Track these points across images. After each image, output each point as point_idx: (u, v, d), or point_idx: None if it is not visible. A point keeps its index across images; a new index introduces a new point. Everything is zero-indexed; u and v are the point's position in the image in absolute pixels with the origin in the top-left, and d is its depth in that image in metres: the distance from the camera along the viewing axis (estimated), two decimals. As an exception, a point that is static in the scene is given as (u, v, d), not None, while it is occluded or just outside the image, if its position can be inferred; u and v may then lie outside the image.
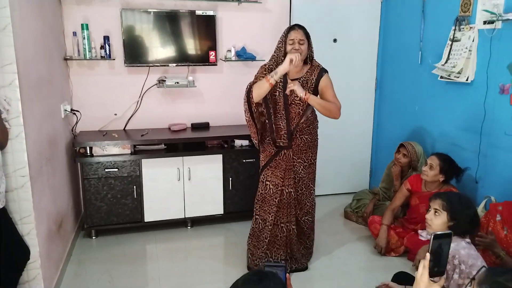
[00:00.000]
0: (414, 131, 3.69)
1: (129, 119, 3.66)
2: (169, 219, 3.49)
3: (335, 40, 4.07)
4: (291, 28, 2.68)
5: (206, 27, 3.59)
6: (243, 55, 3.74)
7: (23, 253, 2.17)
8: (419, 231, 2.33)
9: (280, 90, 2.71)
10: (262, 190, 2.83)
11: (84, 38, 3.32)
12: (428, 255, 1.34)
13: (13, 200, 2.16)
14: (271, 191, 2.79)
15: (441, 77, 3.22)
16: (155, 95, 3.70)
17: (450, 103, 3.25)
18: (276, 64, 2.69)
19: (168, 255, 3.16)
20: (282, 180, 2.78)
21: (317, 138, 2.91)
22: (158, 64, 3.55)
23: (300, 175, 2.82)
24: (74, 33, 3.33)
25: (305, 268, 2.96)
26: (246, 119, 2.79)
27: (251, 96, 2.63)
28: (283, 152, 2.77)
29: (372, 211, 3.64)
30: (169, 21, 3.49)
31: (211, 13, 3.57)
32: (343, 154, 4.33)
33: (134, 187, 3.33)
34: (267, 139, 2.81)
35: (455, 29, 3.06)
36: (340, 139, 4.29)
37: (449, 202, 2.01)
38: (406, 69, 3.76)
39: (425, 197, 2.98)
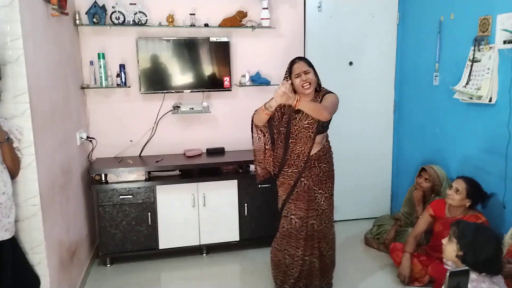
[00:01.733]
0: (435, 154, 3.56)
1: (144, 146, 3.68)
2: (184, 246, 3.43)
3: (351, 63, 4.02)
4: (293, 62, 2.70)
5: (221, 53, 3.61)
6: (257, 80, 3.73)
7: (33, 283, 2.15)
8: (444, 260, 2.22)
9: (286, 121, 2.72)
10: (287, 225, 2.75)
11: (100, 66, 3.38)
12: None
13: (23, 229, 2.16)
14: (297, 225, 2.72)
15: (462, 99, 3.12)
16: (170, 121, 3.71)
17: (472, 124, 3.13)
18: None
19: (183, 283, 3.09)
20: (306, 212, 2.72)
21: (334, 168, 2.85)
22: (173, 91, 3.58)
23: (323, 207, 2.75)
24: (91, 62, 3.40)
25: None
26: (257, 147, 2.80)
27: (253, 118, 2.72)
28: (303, 183, 2.71)
29: (394, 237, 3.50)
30: (184, 49, 3.53)
31: (225, 39, 3.59)
32: (363, 177, 4.22)
33: (149, 213, 3.31)
34: (285, 169, 2.75)
35: (474, 50, 2.97)
36: (359, 163, 4.18)
37: (461, 231, 1.91)
38: (424, 90, 3.67)
39: (449, 223, 2.84)
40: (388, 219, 3.78)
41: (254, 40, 3.78)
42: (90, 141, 3.47)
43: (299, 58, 2.72)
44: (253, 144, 2.83)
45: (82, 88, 3.42)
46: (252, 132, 2.80)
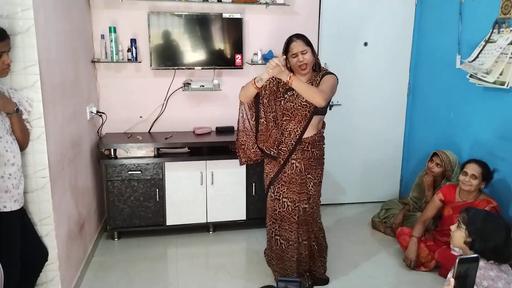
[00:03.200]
0: (448, 139, 3.50)
1: (154, 122, 3.67)
2: (191, 223, 3.46)
3: (365, 44, 3.94)
4: (290, 40, 2.52)
5: (233, 30, 3.55)
6: (270, 58, 3.65)
7: (41, 254, 2.18)
8: (452, 246, 2.20)
9: (282, 99, 2.61)
10: (280, 208, 2.68)
11: (111, 41, 3.35)
12: (452, 280, 1.23)
13: (32, 201, 2.18)
14: (290, 208, 2.65)
15: (471, 75, 3.05)
16: (181, 98, 3.68)
17: (488, 110, 3.06)
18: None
19: (188, 260, 3.12)
20: (298, 195, 2.65)
21: (324, 157, 2.78)
22: (184, 67, 3.54)
23: (311, 193, 2.69)
24: (102, 36, 3.37)
25: (327, 281, 2.84)
26: (241, 128, 2.72)
27: (239, 97, 2.63)
28: (295, 165, 2.62)
29: (402, 222, 3.48)
30: (196, 24, 3.48)
31: (238, 16, 3.52)
32: (373, 161, 4.18)
33: (157, 190, 3.32)
34: (272, 148, 2.67)
35: (492, 32, 2.88)
36: (369, 146, 4.14)
37: (470, 216, 1.90)
38: (442, 73, 3.58)
39: (459, 208, 2.81)
40: (397, 203, 3.76)
41: (268, 17, 3.70)
42: (100, 115, 3.47)
43: (297, 36, 2.51)
44: (238, 126, 2.74)
45: (93, 62, 3.39)
46: (246, 113, 2.69)
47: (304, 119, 2.58)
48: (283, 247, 2.71)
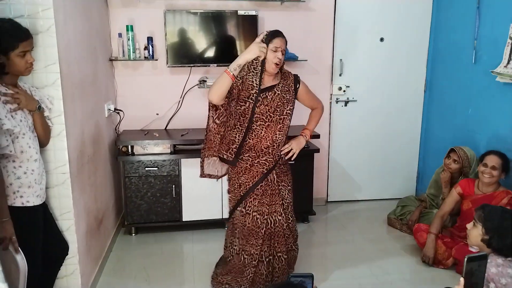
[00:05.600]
0: (466, 136, 3.45)
1: (170, 119, 3.71)
2: (207, 219, 3.49)
3: (382, 39, 3.90)
4: (277, 34, 2.39)
5: (248, 27, 3.56)
6: (285, 55, 3.65)
7: (62, 248, 2.23)
8: (469, 243, 2.18)
9: (251, 101, 2.38)
10: (249, 224, 2.49)
11: (128, 39, 3.40)
12: (462, 279, 1.23)
13: (53, 196, 2.23)
14: (259, 221, 2.48)
15: (501, 78, 2.99)
16: (196, 95, 3.71)
17: (507, 105, 3.01)
18: (247, 67, 2.42)
19: (204, 255, 3.15)
20: (268, 207, 2.49)
21: None
22: (200, 65, 3.57)
23: (287, 201, 2.57)
24: (120, 35, 3.42)
25: None
26: (210, 128, 2.54)
27: (208, 97, 2.39)
28: (271, 176, 2.48)
29: (418, 219, 3.46)
30: (212, 22, 3.50)
31: (253, 13, 3.53)
32: (389, 157, 4.16)
33: (173, 186, 3.36)
34: (251, 155, 2.46)
35: (513, 26, 2.83)
36: (385, 142, 4.12)
37: (487, 214, 1.87)
38: (459, 69, 3.53)
39: (479, 201, 2.79)
40: (413, 200, 3.73)
41: (283, 14, 3.70)
42: (118, 113, 3.53)
43: (282, 34, 2.41)
44: (206, 133, 2.57)
45: (111, 60, 3.45)
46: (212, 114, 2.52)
47: (280, 125, 2.46)
48: (246, 262, 2.53)
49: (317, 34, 3.80)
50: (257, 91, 2.38)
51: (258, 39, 2.39)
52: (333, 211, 4.00)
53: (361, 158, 4.13)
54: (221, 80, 2.35)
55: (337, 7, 3.77)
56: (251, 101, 2.39)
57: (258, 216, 2.49)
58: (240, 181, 2.51)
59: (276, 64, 2.37)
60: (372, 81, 3.98)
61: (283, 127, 2.48)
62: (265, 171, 2.47)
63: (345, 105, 4.00)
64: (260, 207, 2.49)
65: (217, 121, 2.49)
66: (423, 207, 3.54)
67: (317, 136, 3.59)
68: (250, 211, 2.50)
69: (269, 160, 2.48)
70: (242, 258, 2.55)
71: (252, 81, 2.38)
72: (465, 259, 1.26)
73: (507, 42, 2.91)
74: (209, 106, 2.51)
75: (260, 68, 2.37)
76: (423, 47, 3.97)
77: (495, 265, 1.81)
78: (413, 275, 2.92)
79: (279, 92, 2.45)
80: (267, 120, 2.42)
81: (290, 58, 3.65)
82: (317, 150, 3.58)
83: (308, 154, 3.56)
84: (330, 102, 3.97)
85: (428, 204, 3.55)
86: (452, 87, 3.65)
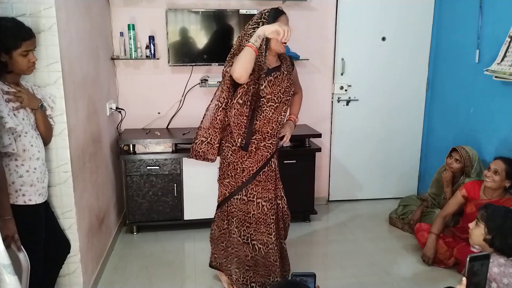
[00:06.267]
0: (468, 135, 3.45)
1: (171, 118, 3.71)
2: (208, 218, 3.47)
3: (383, 39, 3.90)
4: (280, 12, 2.28)
5: (250, 26, 3.56)
6: (287, 54, 3.65)
7: (64, 246, 2.23)
8: (471, 243, 2.18)
9: (262, 82, 2.26)
10: (255, 211, 2.41)
11: (130, 38, 3.40)
12: (464, 279, 1.23)
13: (55, 195, 2.24)
14: (265, 209, 2.42)
15: (496, 76, 2.98)
16: (198, 94, 3.71)
17: (510, 105, 3.00)
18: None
19: (205, 254, 3.14)
20: (274, 192, 2.46)
21: None
22: (201, 64, 3.57)
23: (281, 185, 2.56)
24: (121, 33, 3.42)
25: None
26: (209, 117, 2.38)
27: (235, 75, 2.13)
28: (273, 159, 2.45)
29: (420, 218, 3.45)
30: (213, 21, 3.50)
31: (255, 12, 3.52)
32: (390, 157, 4.15)
33: (175, 185, 3.37)
34: (257, 138, 2.37)
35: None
36: (387, 141, 4.11)
37: (490, 213, 1.87)
38: (461, 68, 3.53)
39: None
40: (414, 200, 3.73)
41: (284, 13, 3.69)
42: (119, 112, 3.53)
43: (284, 12, 2.31)
44: (205, 115, 2.43)
45: (112, 59, 3.45)
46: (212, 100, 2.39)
47: (287, 106, 2.42)
48: (262, 252, 2.45)
49: (319, 33, 3.80)
50: (265, 71, 2.28)
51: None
52: (334, 211, 4.00)
53: (362, 158, 4.12)
54: (246, 54, 2.12)
55: (339, 6, 3.77)
56: (262, 81, 2.27)
57: (263, 203, 2.41)
58: (243, 165, 2.39)
59: (283, 44, 2.26)
60: (374, 80, 3.97)
61: (287, 109, 2.43)
62: (269, 155, 2.41)
63: (347, 104, 4.00)
64: (265, 193, 2.42)
65: (240, 101, 2.24)
66: (425, 206, 3.54)
67: (318, 135, 3.59)
68: (253, 197, 2.41)
69: (273, 144, 2.42)
70: (257, 248, 2.44)
71: (260, 61, 2.24)
72: (468, 258, 1.26)
73: (505, 41, 2.91)
74: (222, 87, 2.31)
75: (264, 47, 2.22)
76: (425, 46, 3.96)
77: (497, 265, 1.81)
78: (414, 275, 2.92)
79: (286, 73, 2.38)
80: (277, 101, 2.33)
81: (291, 57, 3.64)
82: (319, 149, 3.58)
83: (309, 153, 3.56)
84: (332, 101, 3.97)
85: (429, 203, 3.55)
86: (454, 86, 3.65)
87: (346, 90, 3.95)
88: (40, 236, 1.99)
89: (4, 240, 1.71)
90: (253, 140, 2.37)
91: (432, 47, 3.95)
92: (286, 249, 2.63)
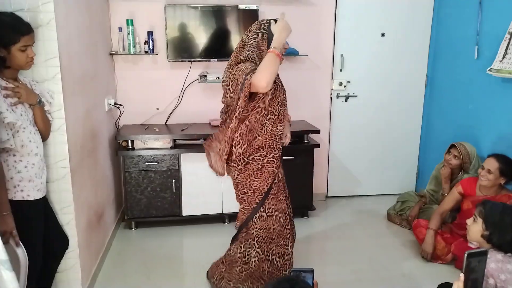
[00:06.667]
0: (467, 131, 3.45)
1: (170, 114, 3.70)
2: (207, 214, 3.50)
3: (383, 35, 3.89)
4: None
5: (249, 22, 3.51)
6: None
7: (62, 242, 2.23)
8: (469, 239, 2.19)
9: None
10: (275, 225, 2.35)
11: (129, 33, 3.39)
12: (461, 275, 1.23)
13: (54, 190, 2.23)
14: (281, 220, 2.38)
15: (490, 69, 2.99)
16: (196, 90, 3.71)
17: (509, 102, 3.00)
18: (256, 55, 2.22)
19: (204, 250, 3.16)
20: (286, 202, 2.41)
21: None
22: (200, 59, 3.56)
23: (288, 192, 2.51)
24: (120, 29, 3.40)
25: None
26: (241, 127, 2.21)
27: (262, 84, 2.01)
28: (280, 171, 2.38)
29: (418, 214, 3.46)
30: (213, 16, 3.49)
31: (254, 7, 3.52)
32: (389, 153, 4.16)
33: (173, 181, 3.37)
34: (262, 154, 2.27)
35: (515, 22, 2.82)
36: (386, 138, 4.12)
37: (488, 210, 1.88)
38: (461, 65, 3.53)
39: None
40: (413, 196, 3.73)
41: (284, 9, 3.66)
42: (118, 107, 3.52)
43: None
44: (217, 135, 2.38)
45: (111, 54, 3.44)
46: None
47: (283, 117, 2.31)
48: (279, 265, 2.41)
49: (318, 29, 3.79)
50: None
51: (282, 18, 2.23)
52: (333, 207, 4.01)
53: (361, 154, 4.13)
54: (272, 62, 2.05)
55: (338, 2, 3.76)
56: (261, 94, 2.13)
57: (279, 215, 2.36)
58: (253, 187, 2.30)
59: (285, 48, 2.22)
60: (373, 77, 3.97)
61: (283, 120, 2.32)
62: (275, 170, 2.32)
63: (346, 100, 4.00)
64: (279, 205, 2.36)
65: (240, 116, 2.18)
66: (423, 202, 3.55)
67: (317, 131, 3.59)
68: (271, 212, 2.34)
69: (277, 156, 2.32)
70: (272, 265, 2.39)
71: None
72: (465, 254, 1.26)
73: (505, 37, 2.90)
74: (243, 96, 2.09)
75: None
76: (424, 42, 3.96)
77: (494, 261, 1.82)
78: (412, 271, 2.93)
79: (281, 84, 2.30)
80: (275, 114, 2.23)
81: (290, 53, 3.64)
82: (317, 145, 3.58)
83: (308, 149, 3.56)
84: (331, 97, 3.96)
85: (428, 199, 3.56)
86: (453, 83, 3.65)
87: (345, 86, 3.94)
88: (38, 232, 1.98)
89: (2, 235, 1.71)
90: (258, 158, 2.26)
91: (431, 43, 3.95)
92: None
